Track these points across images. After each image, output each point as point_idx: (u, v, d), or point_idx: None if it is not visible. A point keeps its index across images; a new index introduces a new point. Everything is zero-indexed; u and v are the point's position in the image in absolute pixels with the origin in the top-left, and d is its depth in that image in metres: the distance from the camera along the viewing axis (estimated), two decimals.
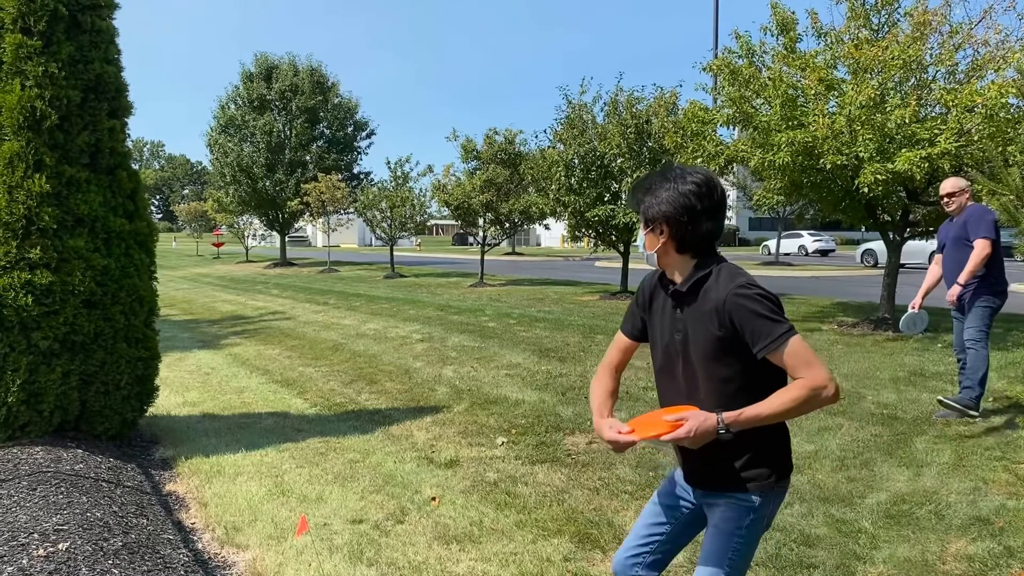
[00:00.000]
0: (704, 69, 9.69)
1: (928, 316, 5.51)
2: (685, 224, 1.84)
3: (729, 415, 1.76)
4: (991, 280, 5.12)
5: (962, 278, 5.03)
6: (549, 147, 15.43)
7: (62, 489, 3.63)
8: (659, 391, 2.05)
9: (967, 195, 5.32)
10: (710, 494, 1.95)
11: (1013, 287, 15.33)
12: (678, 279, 1.91)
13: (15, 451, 4.14)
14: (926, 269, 5.63)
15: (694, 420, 1.75)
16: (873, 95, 7.46)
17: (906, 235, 9.55)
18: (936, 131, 7.43)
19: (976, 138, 7.35)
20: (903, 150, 7.45)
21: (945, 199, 5.36)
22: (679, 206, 1.83)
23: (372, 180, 29.89)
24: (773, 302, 1.78)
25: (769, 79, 8.43)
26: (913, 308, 5.45)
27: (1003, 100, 7.08)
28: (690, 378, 1.90)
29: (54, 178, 4.30)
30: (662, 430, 1.79)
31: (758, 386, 1.83)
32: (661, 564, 2.08)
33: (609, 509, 3.85)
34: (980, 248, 5.01)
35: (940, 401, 5.31)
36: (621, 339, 2.14)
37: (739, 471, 1.88)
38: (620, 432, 1.83)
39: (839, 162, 7.66)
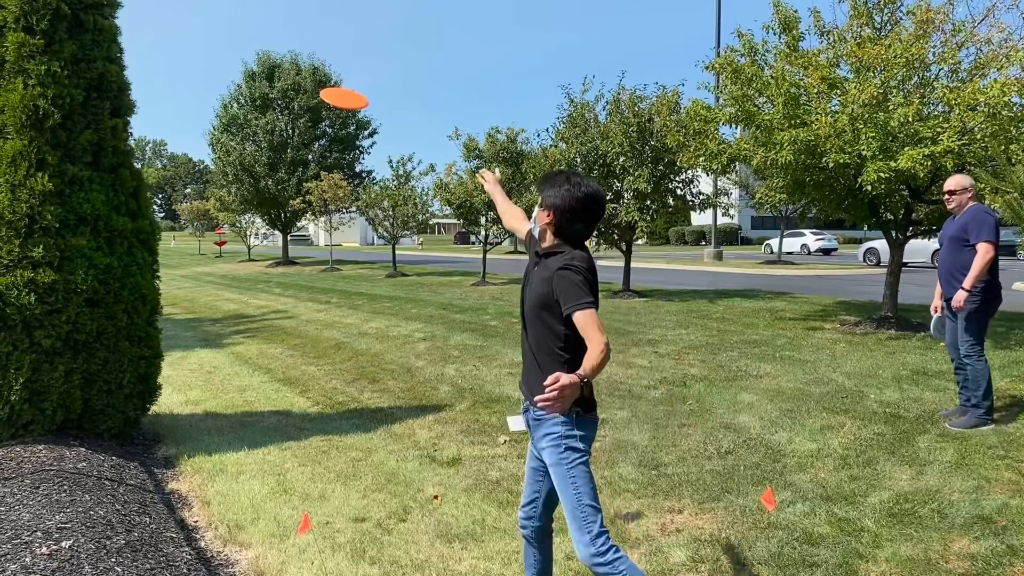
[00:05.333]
0: (707, 68, 9.69)
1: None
2: (567, 217, 2.39)
3: (580, 372, 2.20)
4: (984, 285, 5.01)
5: (967, 283, 4.91)
6: (551, 146, 15.41)
7: (65, 487, 3.64)
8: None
9: (969, 194, 5.26)
10: (538, 415, 2.40)
11: (1015, 286, 15.31)
12: (543, 247, 2.48)
13: (18, 449, 4.15)
14: (929, 268, 5.55)
15: (566, 379, 2.15)
16: (876, 93, 7.44)
17: (909, 234, 9.53)
18: (939, 129, 7.40)
19: (979, 136, 7.33)
20: (906, 148, 7.43)
21: (947, 196, 5.31)
22: (566, 203, 2.39)
23: (374, 179, 29.92)
24: (589, 283, 2.31)
25: (772, 78, 8.41)
26: (935, 312, 5.41)
27: (1006, 98, 7.06)
28: (525, 316, 2.49)
29: (57, 177, 4.31)
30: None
31: (561, 337, 2.38)
32: (550, 509, 2.65)
33: (611, 508, 3.84)
34: (983, 252, 4.91)
35: (952, 427, 5.06)
36: (529, 224, 2.67)
37: None
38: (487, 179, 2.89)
39: (842, 160, 7.65)
